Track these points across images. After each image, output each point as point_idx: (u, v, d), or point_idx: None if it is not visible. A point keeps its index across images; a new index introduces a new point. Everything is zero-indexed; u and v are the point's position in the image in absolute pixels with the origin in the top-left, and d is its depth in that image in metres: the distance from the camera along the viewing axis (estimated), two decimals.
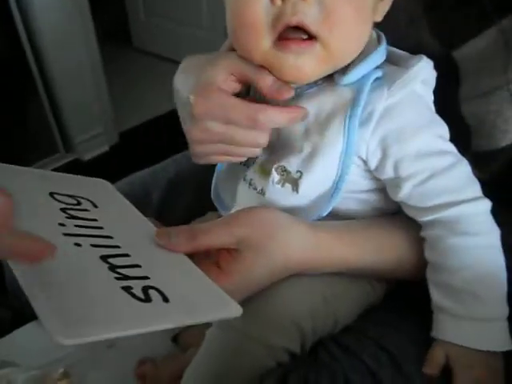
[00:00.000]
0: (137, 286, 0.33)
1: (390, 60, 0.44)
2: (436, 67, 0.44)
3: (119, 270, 0.35)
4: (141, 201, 0.63)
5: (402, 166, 0.41)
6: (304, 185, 0.44)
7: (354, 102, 0.41)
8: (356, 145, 0.42)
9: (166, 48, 2.49)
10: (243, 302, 0.37)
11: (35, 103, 1.76)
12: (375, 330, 0.45)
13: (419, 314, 0.45)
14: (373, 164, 0.43)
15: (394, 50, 0.45)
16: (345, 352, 0.43)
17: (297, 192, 0.44)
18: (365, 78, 0.41)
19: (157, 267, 0.38)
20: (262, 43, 0.39)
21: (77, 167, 1.85)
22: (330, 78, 0.43)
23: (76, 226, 0.40)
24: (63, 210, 0.42)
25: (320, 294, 0.45)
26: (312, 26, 0.37)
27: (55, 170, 1.82)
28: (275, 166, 0.45)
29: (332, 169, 0.43)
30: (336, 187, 0.43)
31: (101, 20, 1.88)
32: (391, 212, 0.48)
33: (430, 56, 0.43)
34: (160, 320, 0.31)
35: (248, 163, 0.50)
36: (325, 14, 0.37)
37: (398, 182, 0.42)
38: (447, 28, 0.47)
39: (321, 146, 0.43)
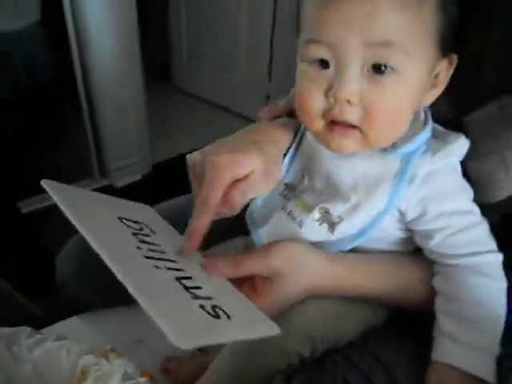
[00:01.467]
0: (207, 305, 0.40)
1: (432, 133, 0.51)
2: (451, 128, 0.52)
3: (191, 291, 0.41)
4: (179, 223, 0.70)
5: (437, 220, 0.49)
6: (340, 229, 0.50)
7: (401, 172, 0.48)
8: (398, 200, 0.49)
9: (204, 89, 2.62)
10: None
11: (79, 127, 1.88)
12: (373, 346, 0.52)
13: (413, 336, 0.52)
14: (409, 217, 0.50)
15: (435, 125, 0.52)
16: (345, 360, 0.50)
17: (332, 233, 0.51)
18: (413, 151, 0.49)
19: (213, 289, 0.45)
20: (316, 123, 0.48)
21: (110, 193, 1.96)
22: None
23: (149, 249, 0.45)
24: (134, 234, 0.47)
25: (330, 313, 0.53)
26: (354, 122, 0.45)
27: None
28: (319, 206, 0.51)
29: (366, 220, 0.50)
30: (365, 232, 0.50)
31: (146, 57, 2.03)
32: (406, 251, 0.55)
33: (446, 120, 0.52)
34: (229, 334, 0.39)
35: (288, 196, 0.56)
36: (366, 114, 0.45)
37: (430, 232, 0.49)
38: (459, 99, 0.56)
39: (365, 202, 0.49)
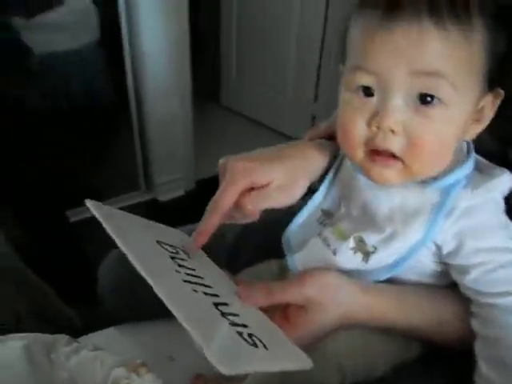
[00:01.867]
0: (244, 332, 0.40)
1: (475, 165, 0.50)
2: (496, 161, 0.50)
3: (228, 317, 0.41)
4: (217, 241, 0.71)
5: (475, 256, 0.47)
6: (374, 259, 0.50)
7: (440, 205, 0.47)
8: (435, 233, 0.48)
9: (250, 109, 2.66)
10: None
11: (128, 142, 1.97)
12: (406, 382, 0.50)
13: (445, 376, 0.50)
14: (446, 250, 0.48)
15: (478, 157, 0.51)
16: None
17: (366, 263, 0.50)
18: (453, 184, 0.48)
19: (248, 317, 0.44)
20: (357, 152, 0.47)
21: (154, 206, 2.02)
22: None
23: (186, 274, 0.45)
24: (172, 258, 0.47)
25: (360, 345, 0.52)
26: (397, 151, 0.45)
27: (134, 205, 2.00)
28: (355, 234, 0.51)
29: (402, 252, 0.49)
30: (400, 264, 0.49)
31: (196, 77, 2.10)
32: (441, 285, 0.53)
33: (486, 152, 0.51)
34: (265, 364, 0.39)
35: (325, 223, 0.56)
36: (410, 144, 0.44)
37: (467, 268, 0.47)
38: (503, 131, 0.55)
39: (401, 233, 0.49)
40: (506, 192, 0.49)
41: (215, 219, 0.50)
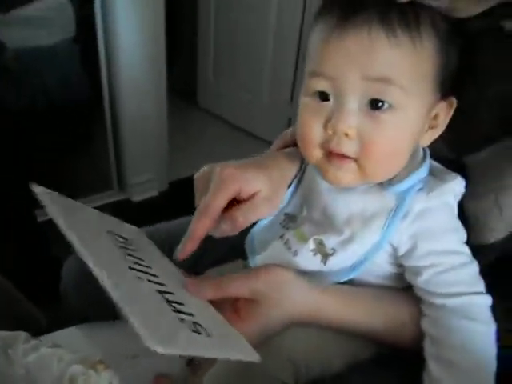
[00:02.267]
0: (188, 320, 0.41)
1: (430, 170, 0.52)
2: (448, 167, 0.52)
3: (173, 304, 0.42)
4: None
5: (427, 257, 0.49)
6: (333, 260, 0.51)
7: (395, 210, 0.49)
8: (391, 236, 0.49)
9: (227, 111, 2.67)
10: None
11: (102, 140, 1.95)
12: (359, 380, 0.52)
13: (400, 375, 0.52)
14: (401, 252, 0.50)
15: (432, 162, 0.53)
16: None
17: (324, 264, 0.51)
18: (409, 189, 0.49)
19: (194, 307, 0.45)
20: (314, 154, 0.49)
21: (127, 206, 2.00)
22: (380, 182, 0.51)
23: (135, 262, 0.46)
24: (121, 247, 0.48)
25: (314, 341, 0.53)
26: (351, 154, 0.47)
27: (107, 205, 1.98)
28: (314, 237, 0.52)
29: (360, 254, 0.50)
30: (358, 266, 0.51)
31: (172, 77, 2.09)
32: (399, 287, 0.55)
33: (443, 159, 0.53)
34: (207, 351, 0.39)
35: (288, 226, 0.57)
36: (363, 148, 0.46)
37: (419, 269, 0.49)
38: (459, 141, 0.56)
39: (359, 236, 0.50)
40: (459, 196, 0.51)
41: (207, 223, 0.50)
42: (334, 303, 0.51)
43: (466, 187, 0.51)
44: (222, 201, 0.51)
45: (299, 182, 0.59)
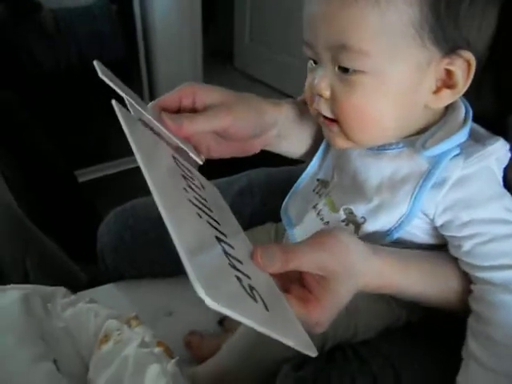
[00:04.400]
0: (245, 281, 0.33)
1: (470, 135, 0.47)
2: (495, 131, 0.48)
3: (230, 258, 0.35)
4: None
5: (468, 227, 0.45)
6: (365, 229, 0.49)
7: (427, 175, 0.46)
8: (426, 204, 0.46)
9: (264, 72, 2.62)
10: None
11: None
12: (389, 349, 0.51)
13: (431, 345, 0.51)
14: (438, 223, 0.47)
15: (475, 126, 0.49)
16: (357, 358, 0.50)
17: (357, 234, 0.49)
18: (444, 153, 0.45)
19: (254, 273, 0.37)
20: (313, 112, 0.50)
21: None
22: (412, 143, 0.48)
23: (195, 197, 0.40)
24: (184, 177, 0.42)
25: (343, 310, 0.47)
26: (329, 115, 0.47)
27: (136, 169, 2.00)
28: (344, 206, 0.50)
29: (392, 222, 0.48)
30: (391, 235, 0.48)
31: (208, 38, 2.07)
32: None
33: (491, 123, 0.49)
34: (264, 323, 0.31)
35: (320, 192, 0.55)
36: (336, 108, 0.46)
37: (460, 240, 0.46)
38: (504, 100, 0.53)
39: (387, 204, 0.48)
40: (503, 160, 0.47)
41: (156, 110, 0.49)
42: (391, 268, 0.46)
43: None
44: (171, 96, 0.51)
45: (328, 146, 0.58)
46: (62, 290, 0.54)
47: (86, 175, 1.71)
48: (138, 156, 0.35)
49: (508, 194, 0.47)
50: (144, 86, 1.93)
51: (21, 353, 0.43)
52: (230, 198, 0.76)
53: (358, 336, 0.53)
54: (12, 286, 0.51)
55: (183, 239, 0.29)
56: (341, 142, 0.49)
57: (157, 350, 0.44)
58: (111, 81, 0.43)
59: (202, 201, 0.41)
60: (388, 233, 0.49)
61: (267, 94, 2.62)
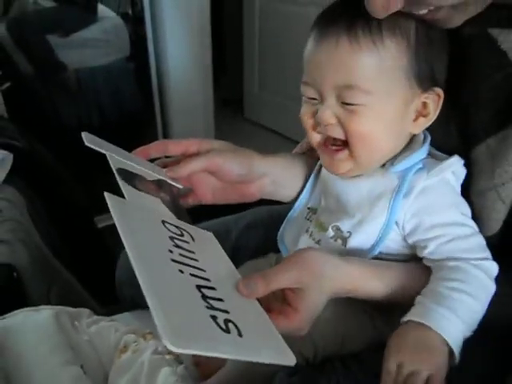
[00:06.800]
0: (220, 317, 0.39)
1: (431, 155, 0.58)
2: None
3: (208, 300, 0.40)
4: (222, 236, 0.72)
5: (431, 230, 0.53)
6: (351, 242, 0.57)
7: (398, 188, 0.54)
8: (397, 213, 0.54)
9: (273, 121, 2.72)
10: None
11: None
12: (376, 362, 0.53)
13: None
14: (407, 229, 0.55)
15: (435, 150, 0.58)
16: (345, 368, 0.55)
17: (345, 247, 0.57)
18: (409, 168, 0.55)
19: (235, 305, 0.43)
20: (314, 136, 0.57)
21: None
22: (382, 164, 0.57)
23: (180, 254, 0.46)
24: (171, 238, 0.48)
25: (331, 323, 0.57)
26: (339, 136, 0.54)
27: None
28: (332, 225, 0.58)
29: (374, 234, 0.56)
30: (374, 247, 0.56)
31: (219, 88, 2.20)
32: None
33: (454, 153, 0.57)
34: (233, 351, 0.37)
35: (311, 218, 0.63)
36: (346, 130, 0.53)
37: (425, 242, 0.54)
38: (465, 134, 0.59)
39: (368, 217, 0.56)
40: (459, 174, 0.56)
41: (156, 147, 0.63)
42: (363, 272, 0.54)
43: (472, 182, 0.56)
44: (176, 143, 0.61)
45: (317, 176, 0.66)
46: (86, 311, 0.62)
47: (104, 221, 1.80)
48: (123, 240, 0.41)
49: (464, 202, 0.55)
50: (159, 137, 2.06)
51: (53, 359, 0.51)
52: (237, 231, 0.84)
53: (346, 346, 0.59)
54: (43, 306, 0.60)
55: (155, 299, 0.35)
56: (344, 167, 0.56)
57: (168, 356, 0.52)
58: (97, 146, 0.54)
59: (189, 254, 0.47)
60: (371, 248, 0.56)
61: (276, 140, 2.71)
